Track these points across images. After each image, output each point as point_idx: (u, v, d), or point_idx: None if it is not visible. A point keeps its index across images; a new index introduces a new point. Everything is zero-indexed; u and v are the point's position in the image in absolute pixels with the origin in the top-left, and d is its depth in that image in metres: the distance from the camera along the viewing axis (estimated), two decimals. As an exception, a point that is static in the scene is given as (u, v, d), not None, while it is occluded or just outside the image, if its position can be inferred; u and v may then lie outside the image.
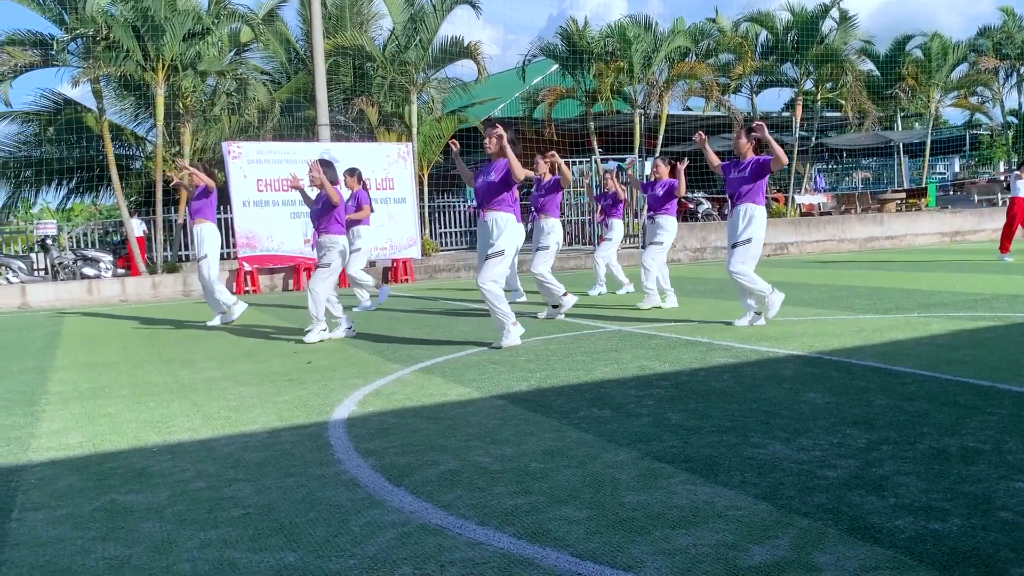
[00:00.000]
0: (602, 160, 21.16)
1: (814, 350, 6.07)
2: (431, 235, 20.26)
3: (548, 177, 9.69)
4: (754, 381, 5.09)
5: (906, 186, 28.81)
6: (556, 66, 22.49)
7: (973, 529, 2.66)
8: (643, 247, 18.71)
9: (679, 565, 2.51)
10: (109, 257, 17.79)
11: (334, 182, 7.98)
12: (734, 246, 7.54)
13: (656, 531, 2.78)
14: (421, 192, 19.38)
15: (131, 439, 4.41)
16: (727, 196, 7.71)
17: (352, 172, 10.55)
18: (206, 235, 9.62)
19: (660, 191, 9.74)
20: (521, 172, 6.72)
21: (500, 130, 6.80)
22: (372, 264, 16.48)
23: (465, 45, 18.65)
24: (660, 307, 9.35)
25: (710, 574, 2.44)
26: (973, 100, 28.23)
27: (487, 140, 6.90)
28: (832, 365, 5.49)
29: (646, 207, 10.20)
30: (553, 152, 7.91)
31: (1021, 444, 3.53)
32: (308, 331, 7.96)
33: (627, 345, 6.78)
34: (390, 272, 16.77)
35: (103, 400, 5.54)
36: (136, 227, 17.39)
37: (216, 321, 9.85)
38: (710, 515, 2.90)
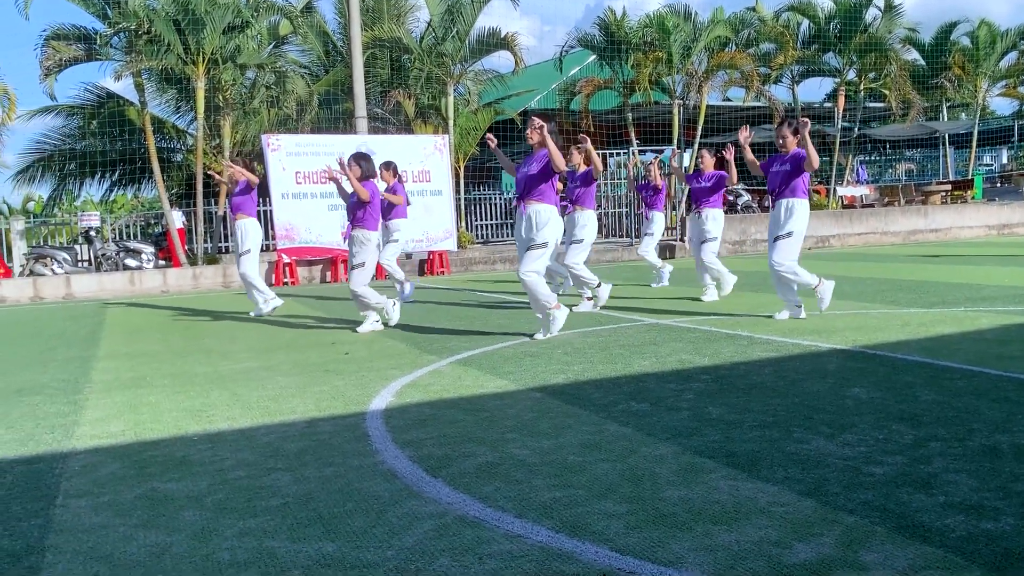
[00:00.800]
0: (640, 151, 21.01)
1: (858, 344, 5.95)
2: (467, 227, 20.25)
3: (582, 168, 9.55)
4: (796, 375, 5.00)
5: (952, 178, 28.20)
6: (593, 57, 22.33)
7: (1027, 529, 2.58)
8: (683, 240, 18.56)
9: (721, 561, 2.46)
10: (151, 249, 18.05)
11: (371, 175, 7.99)
12: (775, 239, 7.42)
13: (697, 527, 2.73)
14: (457, 184, 19.38)
15: (172, 428, 4.45)
16: (768, 192, 7.56)
17: (388, 166, 10.55)
18: (248, 230, 9.72)
19: (707, 183, 9.59)
20: (562, 162, 6.67)
21: (541, 121, 6.77)
22: (408, 256, 16.53)
23: (502, 36, 18.57)
24: (717, 298, 9.35)
25: (753, 571, 2.39)
26: (1022, 90, 27.51)
27: (529, 131, 6.87)
28: (877, 360, 5.38)
29: (687, 200, 10.07)
30: (584, 137, 7.75)
31: (1076, 442, 3.42)
32: (365, 321, 8.05)
33: (665, 338, 6.71)
34: (426, 264, 16.80)
35: (144, 389, 5.61)
36: (176, 219, 17.60)
37: (262, 308, 9.97)
38: (753, 511, 2.84)
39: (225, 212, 17.74)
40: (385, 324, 8.14)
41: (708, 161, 9.66)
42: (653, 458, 3.49)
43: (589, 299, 8.91)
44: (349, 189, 8.19)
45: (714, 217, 9.58)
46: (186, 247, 17.45)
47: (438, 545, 2.69)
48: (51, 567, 2.67)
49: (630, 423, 4.07)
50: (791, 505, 2.88)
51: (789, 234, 7.36)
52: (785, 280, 7.41)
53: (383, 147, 15.65)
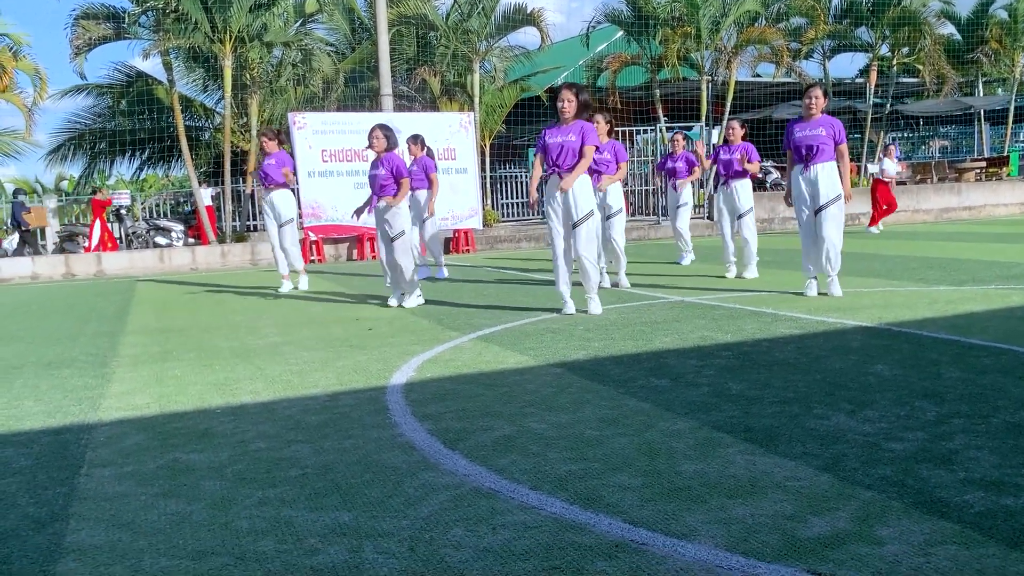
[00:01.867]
0: (668, 128, 20.81)
1: (883, 322, 5.88)
2: (493, 206, 20.24)
3: (607, 140, 9.26)
4: (819, 352, 4.95)
5: (987, 155, 27.67)
6: (621, 32, 22.10)
7: (1048, 506, 2.54)
8: (710, 218, 18.40)
9: (734, 534, 2.46)
10: (180, 227, 18.27)
11: (394, 147, 8.01)
12: (820, 210, 7.19)
13: (712, 500, 2.73)
14: (483, 162, 19.35)
15: (196, 400, 4.52)
16: (800, 153, 7.25)
17: (416, 139, 10.56)
18: (287, 200, 9.89)
19: (739, 154, 9.44)
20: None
21: (572, 94, 6.71)
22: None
23: (528, 12, 18.46)
24: (757, 275, 9.23)
25: (766, 544, 2.38)
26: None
27: (564, 104, 6.72)
28: (902, 337, 5.31)
29: (715, 174, 9.86)
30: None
31: (1103, 420, 3.36)
32: (406, 297, 8.08)
33: (688, 315, 6.67)
34: (451, 243, 16.82)
35: (170, 363, 5.69)
36: (205, 195, 17.76)
37: (304, 284, 10.06)
38: (768, 485, 2.83)
39: (254, 190, 17.89)
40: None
41: (738, 132, 9.47)
42: (670, 432, 3.48)
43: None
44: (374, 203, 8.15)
45: (744, 187, 9.42)
46: (215, 225, 17.63)
47: (453, 515, 2.70)
48: (74, 533, 2.72)
49: (649, 398, 4.06)
50: (808, 480, 2.86)
51: (839, 197, 7.20)
52: (836, 258, 7.27)
53: (408, 125, 15.62)
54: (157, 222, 18.69)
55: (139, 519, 2.82)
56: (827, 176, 7.21)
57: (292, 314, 8.06)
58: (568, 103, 6.72)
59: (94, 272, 15.33)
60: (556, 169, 6.75)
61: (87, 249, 16.76)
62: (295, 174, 9.98)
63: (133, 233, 18.32)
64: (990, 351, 4.76)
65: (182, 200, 23.04)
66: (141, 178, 28.14)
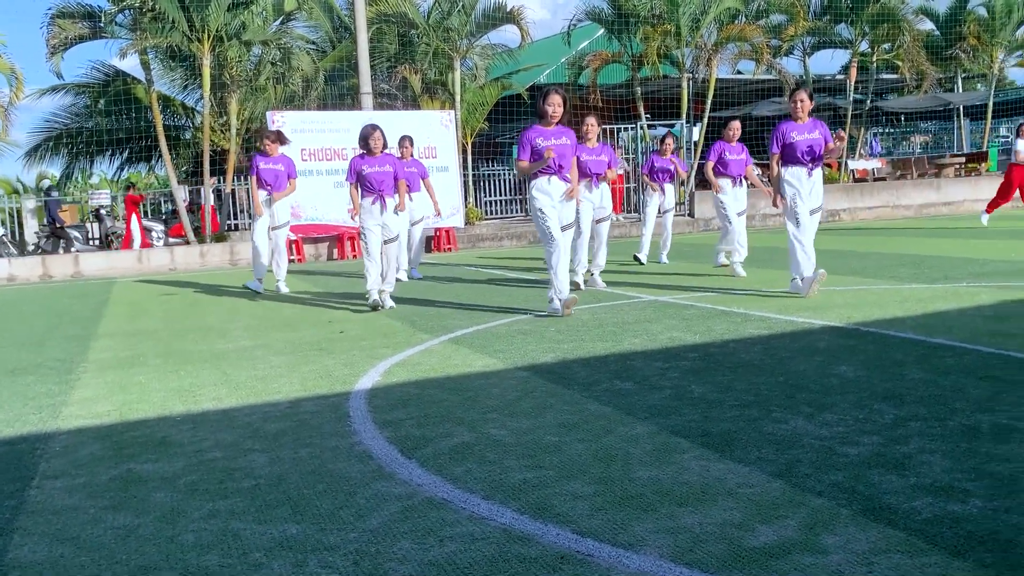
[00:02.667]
0: (649, 126, 20.82)
1: (852, 321, 5.89)
2: (475, 203, 20.20)
3: (595, 143, 9.15)
4: (785, 353, 4.96)
5: (966, 150, 27.82)
6: (602, 30, 22.09)
7: (994, 511, 2.55)
8: (691, 215, 18.44)
9: (681, 544, 2.45)
10: (160, 226, 18.14)
11: (384, 145, 7.95)
12: (811, 213, 7.33)
13: (662, 508, 2.72)
14: (465, 160, 19.31)
15: (157, 408, 4.48)
16: (805, 160, 7.23)
17: (409, 140, 10.66)
18: (286, 204, 9.96)
19: (743, 154, 9.45)
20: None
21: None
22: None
23: (508, 10, 18.41)
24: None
25: (712, 555, 2.37)
26: (1040, 59, 27.02)
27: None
28: (869, 337, 5.33)
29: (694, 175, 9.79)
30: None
31: (1058, 422, 3.37)
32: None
33: (660, 315, 6.67)
34: (433, 241, 16.77)
35: (137, 368, 5.64)
36: (182, 195, 17.67)
37: (285, 289, 9.96)
38: (720, 492, 2.82)
39: (233, 189, 17.79)
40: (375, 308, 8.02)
41: (738, 132, 9.51)
42: (628, 438, 3.47)
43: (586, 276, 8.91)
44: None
45: (744, 190, 9.54)
46: (212, 223, 17.52)
47: (402, 527, 2.68)
48: (17, 549, 2.69)
49: (611, 402, 4.05)
50: (759, 486, 2.86)
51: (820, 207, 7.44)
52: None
53: (389, 123, 15.48)
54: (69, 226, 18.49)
55: (84, 533, 2.78)
56: (820, 181, 7.34)
57: (265, 316, 8.01)
58: (559, 107, 6.78)
59: (71, 273, 15.21)
60: (559, 172, 6.82)
61: (124, 246, 16.77)
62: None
63: (113, 233, 18.20)
64: (954, 351, 4.78)
65: (163, 200, 22.89)
66: (124, 177, 27.96)
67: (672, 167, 11.50)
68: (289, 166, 9.85)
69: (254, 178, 9.68)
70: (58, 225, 17.24)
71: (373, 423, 3.92)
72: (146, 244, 16.92)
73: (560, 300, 6.86)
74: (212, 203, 17.47)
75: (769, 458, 3.14)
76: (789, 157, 7.28)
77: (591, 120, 8.80)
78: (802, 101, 7.28)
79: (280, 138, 9.91)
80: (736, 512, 2.66)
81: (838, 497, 2.73)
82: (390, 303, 8.02)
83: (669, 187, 11.59)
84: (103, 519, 2.90)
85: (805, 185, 7.25)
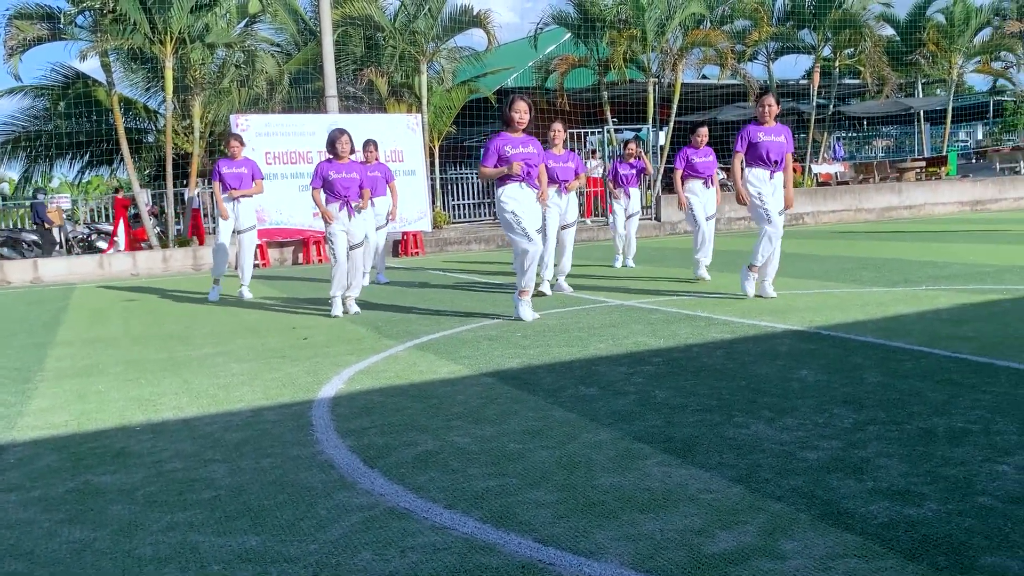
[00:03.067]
0: (616, 130, 20.93)
1: (814, 325, 5.97)
2: (443, 207, 20.17)
3: (562, 151, 9.15)
4: (748, 357, 5.01)
5: (927, 154, 28.34)
6: (569, 35, 22.19)
7: (948, 515, 2.59)
8: (658, 219, 18.55)
9: (642, 551, 2.46)
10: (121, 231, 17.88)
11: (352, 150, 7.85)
12: (780, 213, 7.41)
13: (624, 515, 2.73)
14: (432, 164, 19.27)
15: (116, 418, 4.41)
16: (772, 162, 7.32)
17: (375, 144, 10.60)
18: (252, 207, 9.84)
19: (709, 156, 9.52)
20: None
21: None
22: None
23: (475, 14, 18.42)
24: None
25: (672, 562, 2.39)
26: (997, 65, 27.63)
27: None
28: (829, 341, 5.40)
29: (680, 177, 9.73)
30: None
31: (1010, 424, 3.44)
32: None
33: (626, 320, 6.70)
34: (400, 245, 16.71)
35: (96, 377, 5.55)
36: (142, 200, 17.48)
37: (249, 295, 9.85)
38: (681, 498, 2.84)
39: (197, 193, 17.59)
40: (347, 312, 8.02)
41: (705, 138, 9.59)
42: (592, 444, 3.48)
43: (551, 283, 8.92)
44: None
45: (713, 195, 9.62)
46: (158, 229, 17.29)
47: (363, 538, 2.67)
48: (-32, 565, 2.63)
49: (576, 408, 4.06)
50: (720, 492, 2.88)
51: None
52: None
53: (355, 126, 15.42)
54: (98, 226, 18.29)
55: (39, 548, 2.73)
56: (781, 185, 7.42)
57: (228, 322, 7.92)
58: (526, 114, 6.81)
59: (31, 279, 14.93)
60: (527, 179, 6.85)
61: (107, 249, 16.51)
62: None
63: (74, 238, 17.91)
64: (913, 355, 4.85)
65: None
66: (86, 180, 27.52)
67: (637, 169, 11.57)
68: (253, 168, 9.77)
69: (217, 183, 9.59)
70: (46, 226, 17.05)
71: (336, 432, 3.89)
72: (133, 247, 16.80)
73: (525, 295, 6.92)
74: (195, 205, 17.29)
75: (730, 463, 3.16)
76: (753, 158, 7.36)
77: (557, 126, 8.82)
78: (769, 105, 7.36)
79: (242, 141, 9.86)
80: (697, 518, 2.67)
81: (797, 502, 2.76)
82: (355, 308, 7.98)
83: (634, 192, 11.65)
84: (59, 533, 2.85)
85: (767, 186, 7.34)
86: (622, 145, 12.02)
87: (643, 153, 11.97)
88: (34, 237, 17.34)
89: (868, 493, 2.80)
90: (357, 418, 4.11)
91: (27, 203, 18.74)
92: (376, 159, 10.58)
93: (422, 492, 3.04)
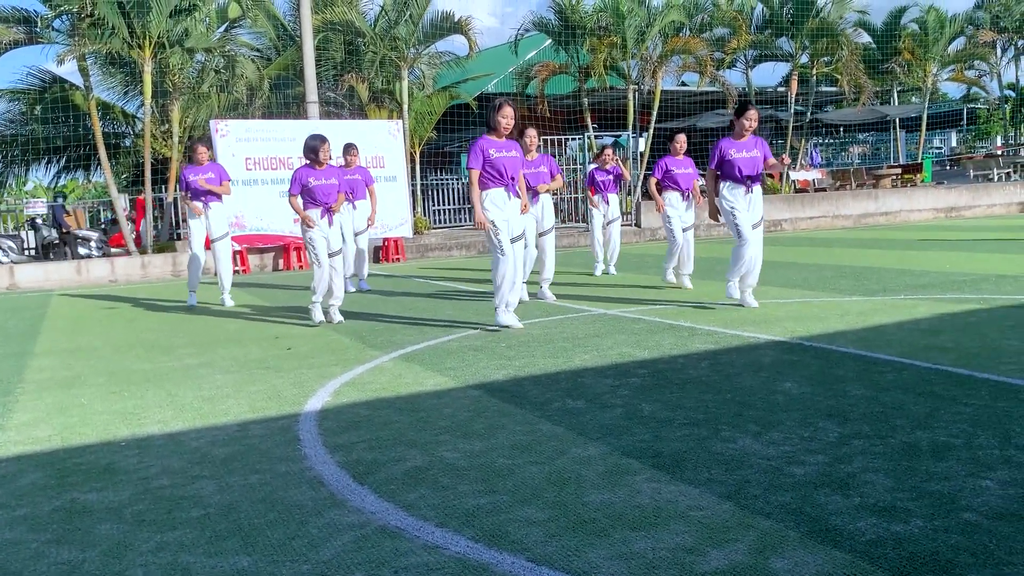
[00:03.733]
0: (596, 136, 21.01)
1: (796, 336, 6.03)
2: (424, 213, 20.15)
3: (535, 155, 9.19)
4: (732, 369, 5.05)
5: (902, 161, 28.67)
6: (549, 41, 22.27)
7: (935, 531, 2.63)
8: (638, 225, 18.65)
9: (634, 570, 2.48)
10: (99, 235, 17.71)
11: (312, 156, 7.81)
12: (755, 226, 7.47)
13: (616, 533, 2.75)
14: (413, 170, 19.25)
15: (100, 432, 4.37)
16: (747, 176, 7.39)
17: (356, 149, 10.60)
18: (222, 214, 9.81)
19: (690, 167, 9.59)
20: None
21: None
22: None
23: (456, 20, 18.44)
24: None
25: (665, 581, 2.41)
26: (970, 74, 28.02)
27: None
28: (811, 352, 5.45)
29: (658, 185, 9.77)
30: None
31: (992, 438, 3.50)
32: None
33: (610, 330, 6.74)
34: (381, 252, 16.68)
35: (78, 389, 5.50)
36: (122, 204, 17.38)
37: (230, 302, 9.80)
38: (672, 516, 2.87)
39: (175, 198, 17.47)
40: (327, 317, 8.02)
41: (684, 145, 9.65)
42: (581, 460, 3.50)
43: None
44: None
45: (692, 204, 9.70)
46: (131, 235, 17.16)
47: (356, 558, 2.67)
48: (-44, 589, 2.60)
49: (563, 422, 4.08)
50: (710, 509, 2.91)
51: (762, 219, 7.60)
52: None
53: (336, 132, 15.42)
54: (76, 231, 18.10)
55: (27, 570, 2.71)
56: (760, 197, 7.51)
57: (209, 331, 7.87)
58: (512, 120, 6.87)
59: (7, 285, 14.75)
60: (510, 184, 6.90)
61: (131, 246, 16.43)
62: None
63: (50, 243, 17.70)
64: (894, 366, 4.92)
65: (102, 208, 22.36)
66: (61, 184, 27.23)
67: (614, 175, 11.58)
68: (220, 172, 9.70)
69: (185, 193, 9.58)
70: (64, 230, 16.95)
71: (324, 447, 3.88)
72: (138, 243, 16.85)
73: (509, 314, 6.94)
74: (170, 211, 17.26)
75: (719, 479, 3.19)
76: (727, 174, 7.42)
77: (532, 132, 8.82)
78: (755, 120, 7.44)
79: (209, 146, 9.85)
80: (688, 536, 2.70)
81: (786, 519, 2.79)
82: (339, 317, 7.96)
83: (613, 197, 11.68)
84: (47, 554, 2.83)
85: (741, 202, 7.41)
86: (599, 150, 12.03)
87: (619, 160, 12.01)
88: (10, 242, 17.15)
89: (855, 509, 2.84)
90: (345, 432, 4.11)
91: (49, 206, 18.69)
92: (356, 163, 10.57)
93: (413, 510, 3.05)
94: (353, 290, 10.47)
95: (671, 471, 3.31)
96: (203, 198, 9.52)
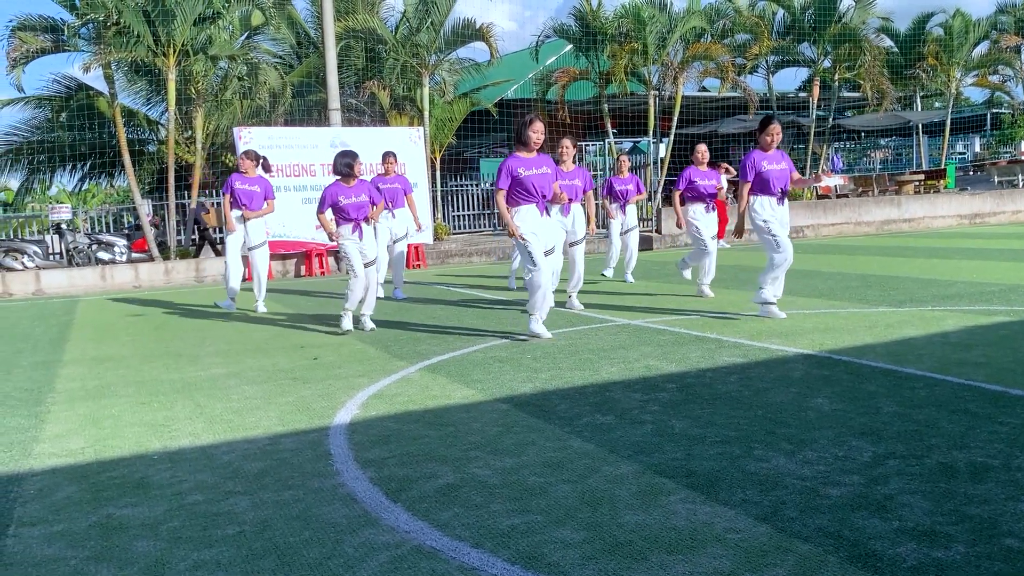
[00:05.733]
0: (616, 142, 20.98)
1: (824, 349, 5.98)
2: (444, 218, 20.19)
3: (571, 167, 9.16)
4: (762, 384, 5.02)
5: (925, 167, 28.43)
6: (570, 47, 22.27)
7: (977, 558, 2.60)
8: (659, 231, 18.60)
9: (674, 596, 2.47)
10: (123, 241, 17.86)
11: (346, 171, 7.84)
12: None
13: (653, 556, 2.73)
14: (433, 176, 19.30)
15: (132, 444, 4.40)
16: (780, 189, 7.40)
17: (395, 156, 10.66)
18: (261, 224, 9.97)
19: (714, 179, 9.58)
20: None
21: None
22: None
23: (477, 27, 18.47)
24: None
25: (705, 607, 2.39)
26: (994, 79, 27.78)
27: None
28: (842, 366, 5.41)
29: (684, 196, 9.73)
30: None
31: (1031, 460, 3.45)
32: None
33: (635, 341, 6.71)
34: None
35: (108, 400, 5.55)
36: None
37: (263, 308, 9.93)
38: (708, 538, 2.85)
39: (198, 204, 17.59)
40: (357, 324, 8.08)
41: (706, 155, 9.63)
42: (613, 478, 3.49)
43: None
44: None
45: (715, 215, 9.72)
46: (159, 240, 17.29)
47: (392, 579, 2.67)
48: (-2, 607, 2.63)
49: (593, 438, 4.07)
50: (747, 531, 2.89)
51: None
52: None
53: (357, 139, 15.54)
54: (99, 236, 18.26)
55: (68, 588, 2.73)
56: (787, 209, 7.54)
57: (236, 340, 7.92)
58: (542, 135, 6.90)
59: (32, 291, 14.91)
60: (540, 200, 6.90)
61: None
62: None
63: (74, 248, 17.87)
64: (925, 382, 4.87)
65: (126, 213, 22.55)
66: (84, 189, 27.52)
67: (630, 187, 11.59)
68: (266, 188, 9.81)
69: (227, 196, 9.65)
70: (202, 228, 17.18)
71: (355, 462, 3.89)
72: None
73: (540, 324, 6.96)
74: (198, 216, 17.38)
75: (754, 500, 3.17)
76: (761, 187, 7.39)
77: (567, 143, 8.83)
78: (778, 133, 7.44)
79: (259, 160, 9.87)
80: (725, 559, 2.68)
81: (824, 543, 2.77)
82: (371, 325, 8.00)
83: (630, 207, 11.69)
84: (86, 571, 2.85)
85: (777, 212, 7.39)
86: (617, 163, 12.02)
87: (635, 174, 12.05)
88: (36, 248, 17.32)
89: (895, 533, 2.81)
90: (375, 447, 4.12)
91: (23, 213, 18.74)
92: (395, 170, 10.60)
93: (447, 529, 3.05)
94: (382, 295, 10.50)
95: (705, 491, 3.29)
96: (243, 206, 9.60)
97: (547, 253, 6.98)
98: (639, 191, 11.72)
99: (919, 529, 2.84)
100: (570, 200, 8.72)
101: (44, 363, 7.21)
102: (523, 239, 6.81)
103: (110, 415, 5.10)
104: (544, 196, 6.88)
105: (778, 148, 7.55)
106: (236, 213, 9.65)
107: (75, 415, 5.15)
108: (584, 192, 8.91)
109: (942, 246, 14.88)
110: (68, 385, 6.15)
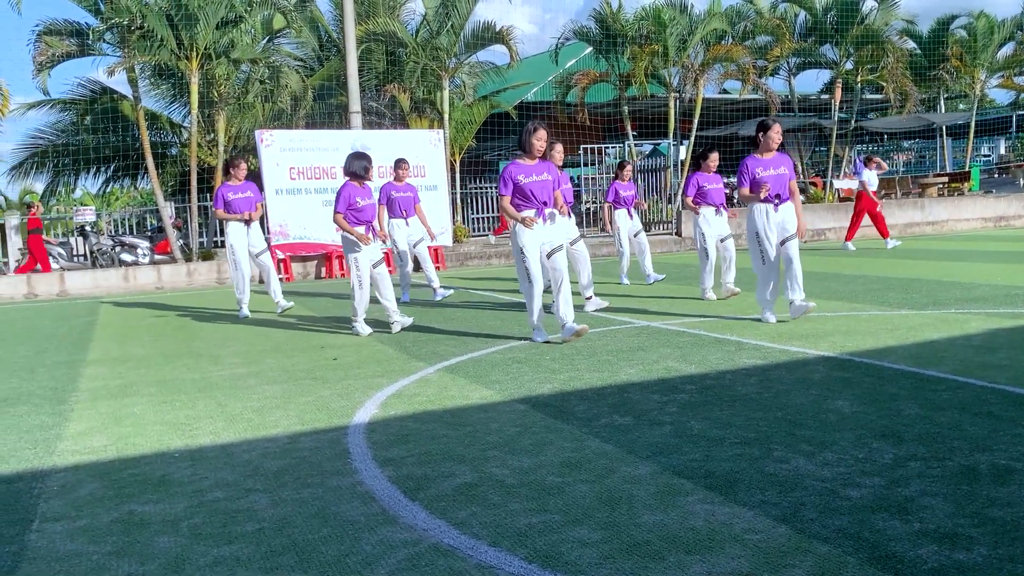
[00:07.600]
0: (636, 144, 20.95)
1: (845, 351, 5.94)
2: (463, 221, 20.23)
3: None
4: (781, 386, 4.99)
5: (949, 169, 28.15)
6: (590, 49, 22.26)
7: (1000, 561, 2.57)
8: (679, 234, 18.54)
9: (691, 596, 2.46)
10: (146, 243, 18.05)
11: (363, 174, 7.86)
12: (786, 240, 7.31)
13: (671, 556, 2.73)
14: (452, 178, 19.34)
15: (154, 442, 4.45)
16: (775, 195, 7.31)
17: (407, 164, 10.68)
18: (259, 229, 10.01)
19: (720, 184, 9.63)
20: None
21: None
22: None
23: (497, 30, 18.52)
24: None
25: (723, 607, 2.38)
26: (1020, 80, 27.46)
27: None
28: (863, 369, 5.37)
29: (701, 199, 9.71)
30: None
31: (1055, 463, 3.41)
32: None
33: (654, 343, 6.69)
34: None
35: (130, 398, 5.60)
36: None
37: (287, 303, 10.02)
38: (727, 539, 2.84)
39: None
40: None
41: (716, 162, 9.69)
42: (631, 479, 3.48)
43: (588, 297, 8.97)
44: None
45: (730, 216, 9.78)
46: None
47: (410, 576, 2.68)
48: (22, 600, 2.66)
49: (612, 439, 4.06)
50: (765, 532, 2.87)
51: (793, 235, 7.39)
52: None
53: (378, 142, 15.62)
54: (123, 238, 18.46)
55: (90, 582, 2.76)
56: (789, 211, 7.41)
57: (256, 340, 7.97)
58: (545, 143, 6.95)
59: (57, 292, 15.10)
60: (540, 207, 6.90)
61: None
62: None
63: (98, 250, 18.08)
64: (948, 384, 4.82)
65: (148, 215, 22.78)
66: (108, 191, 27.81)
67: (633, 192, 11.57)
68: (256, 191, 9.83)
69: (220, 210, 9.59)
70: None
71: (374, 461, 3.91)
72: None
73: (543, 332, 7.00)
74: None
75: (773, 501, 3.15)
76: (755, 193, 7.33)
77: (559, 147, 8.82)
78: (779, 134, 7.38)
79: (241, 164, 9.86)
80: (744, 560, 2.67)
81: (844, 544, 2.74)
82: (405, 321, 8.04)
83: (634, 211, 11.67)
84: (108, 566, 2.88)
85: (772, 218, 7.31)
86: (616, 168, 11.94)
87: (634, 183, 12.07)
88: (60, 249, 17.53)
89: (915, 535, 2.79)
90: (393, 446, 4.13)
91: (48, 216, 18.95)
92: (407, 178, 10.61)
93: (465, 528, 3.05)
94: (407, 300, 10.56)
95: (724, 492, 3.27)
96: (242, 213, 9.61)
97: (554, 251, 6.93)
98: (635, 197, 11.76)
99: (940, 531, 2.81)
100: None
101: (68, 362, 7.30)
102: (522, 252, 6.82)
103: (132, 414, 5.15)
104: (544, 203, 6.88)
105: (780, 151, 7.47)
106: (237, 216, 9.61)
107: (98, 413, 5.21)
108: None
109: (965, 249, 14.72)
110: (91, 384, 6.22)
